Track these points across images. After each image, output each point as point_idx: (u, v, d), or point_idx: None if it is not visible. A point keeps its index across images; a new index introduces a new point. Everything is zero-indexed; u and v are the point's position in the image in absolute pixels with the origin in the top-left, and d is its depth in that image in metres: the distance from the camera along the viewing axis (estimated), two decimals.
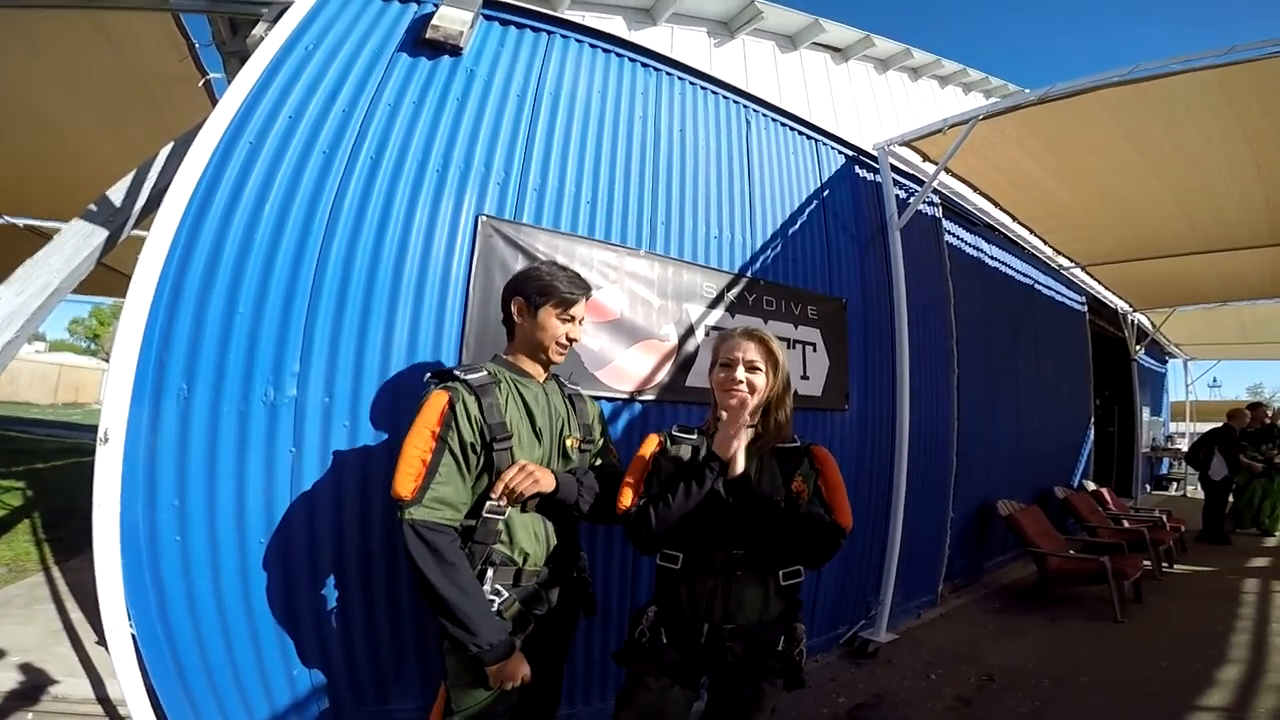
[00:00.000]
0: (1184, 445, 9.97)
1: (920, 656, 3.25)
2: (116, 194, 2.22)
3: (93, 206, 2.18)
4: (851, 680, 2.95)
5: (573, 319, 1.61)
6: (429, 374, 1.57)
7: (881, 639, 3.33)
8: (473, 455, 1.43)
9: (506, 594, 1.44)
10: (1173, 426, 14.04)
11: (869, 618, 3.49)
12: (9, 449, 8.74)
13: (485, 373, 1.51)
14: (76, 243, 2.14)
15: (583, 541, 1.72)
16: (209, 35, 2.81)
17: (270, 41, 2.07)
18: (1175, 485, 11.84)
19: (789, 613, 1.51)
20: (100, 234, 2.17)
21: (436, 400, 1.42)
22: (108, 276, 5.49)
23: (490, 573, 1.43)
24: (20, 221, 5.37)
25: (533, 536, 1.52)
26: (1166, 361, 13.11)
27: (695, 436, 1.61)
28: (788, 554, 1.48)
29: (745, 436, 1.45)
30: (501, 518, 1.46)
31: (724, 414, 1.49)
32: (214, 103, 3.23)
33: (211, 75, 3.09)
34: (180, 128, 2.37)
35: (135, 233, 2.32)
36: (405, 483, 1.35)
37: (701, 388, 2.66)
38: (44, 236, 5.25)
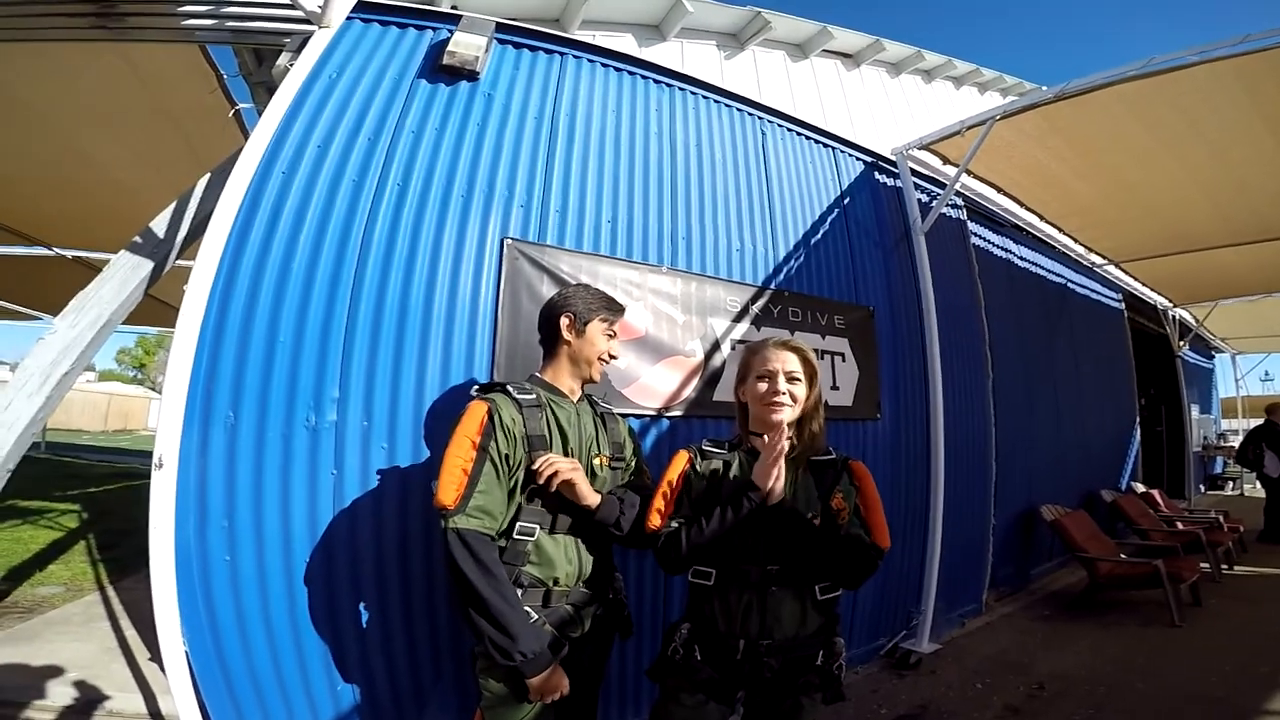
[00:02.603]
0: (1237, 443, 9.56)
1: (965, 666, 3.17)
2: (159, 225, 2.31)
3: (138, 239, 2.27)
4: (893, 692, 2.88)
5: (614, 335, 1.68)
6: (476, 386, 1.62)
7: (924, 649, 3.25)
8: (507, 466, 1.45)
9: (536, 616, 1.43)
10: (1224, 424, 13.43)
11: (910, 628, 3.40)
12: (65, 474, 9.14)
13: (534, 395, 1.55)
14: (125, 274, 2.23)
15: (615, 559, 1.71)
16: (235, 66, 2.92)
17: (296, 71, 2.15)
18: (1231, 484, 11.30)
19: (827, 626, 1.47)
20: (147, 265, 2.25)
21: (476, 410, 1.45)
22: (152, 306, 5.76)
23: (519, 594, 1.43)
24: (69, 253, 5.66)
25: (564, 558, 1.51)
26: (1213, 357, 12.60)
27: (725, 451, 1.58)
28: (825, 574, 1.45)
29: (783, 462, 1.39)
30: (531, 539, 1.47)
31: (765, 436, 1.45)
32: (244, 132, 3.37)
33: (241, 105, 3.21)
34: (212, 158, 2.47)
35: (178, 263, 2.43)
36: (448, 492, 1.36)
37: (730, 402, 2.65)
38: (91, 268, 5.54)
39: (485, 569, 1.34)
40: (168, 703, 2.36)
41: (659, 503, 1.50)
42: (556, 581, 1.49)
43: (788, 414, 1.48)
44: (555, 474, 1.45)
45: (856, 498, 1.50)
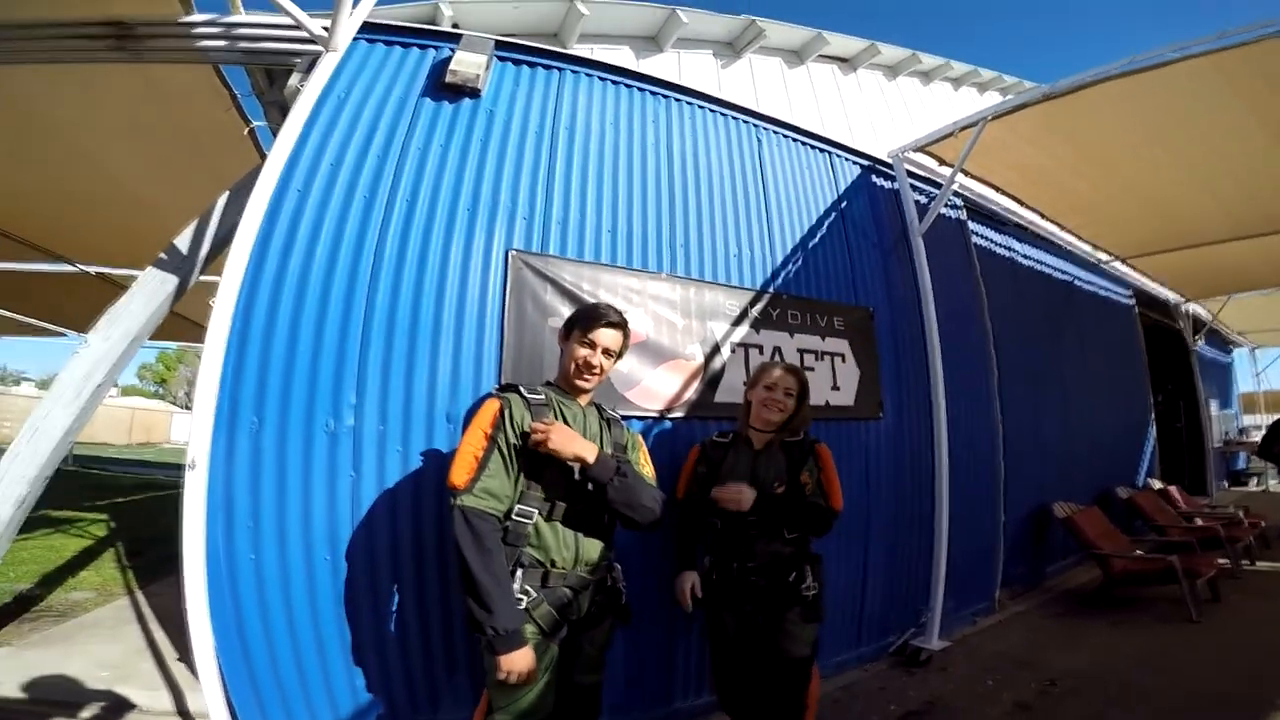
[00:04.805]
0: (1259, 438, 9.33)
1: (976, 663, 3.15)
2: (182, 242, 2.40)
3: (163, 255, 2.37)
4: (902, 688, 2.88)
5: (592, 345, 1.74)
6: (495, 387, 1.83)
7: (934, 646, 3.24)
8: (514, 456, 1.58)
9: (535, 594, 1.55)
10: (1245, 419, 13.13)
11: (920, 625, 3.40)
12: (93, 484, 9.36)
13: (543, 396, 1.70)
14: (152, 289, 2.33)
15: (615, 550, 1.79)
16: (249, 86, 3.02)
17: (307, 94, 2.23)
18: (1255, 480, 11.04)
19: (798, 555, 2.04)
20: (172, 281, 2.35)
21: (490, 405, 1.62)
22: (173, 321, 5.86)
23: (520, 573, 1.55)
24: (93, 269, 5.81)
25: (561, 544, 1.62)
26: (1231, 351, 12.35)
27: (728, 440, 2.21)
28: (795, 529, 2.03)
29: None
30: (530, 522, 1.58)
31: (757, 425, 2.15)
32: (259, 150, 3.44)
33: (255, 124, 3.31)
34: (229, 176, 2.55)
35: (199, 279, 2.52)
36: (460, 474, 1.52)
37: (731, 403, 2.72)
38: (113, 284, 5.69)
39: (481, 545, 1.46)
40: (194, 700, 2.45)
41: (681, 482, 2.25)
42: (554, 564, 1.59)
43: (778, 416, 2.11)
44: (546, 439, 1.55)
45: (820, 475, 2.10)
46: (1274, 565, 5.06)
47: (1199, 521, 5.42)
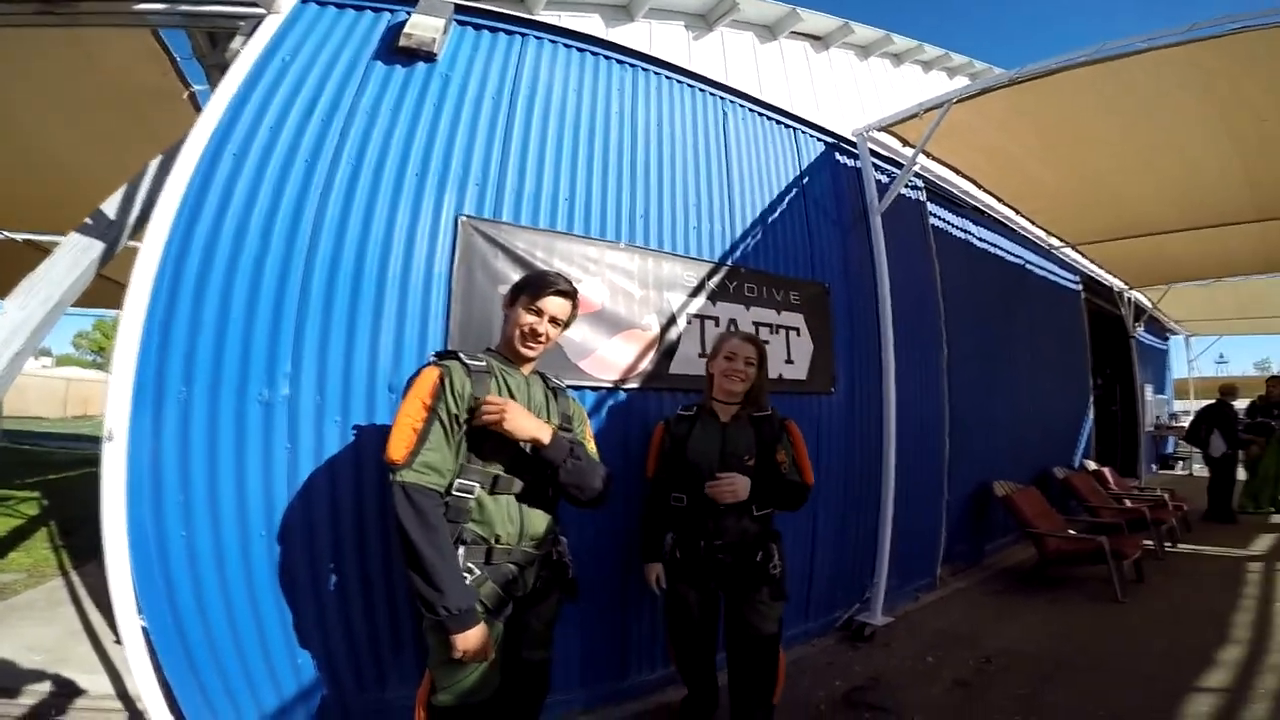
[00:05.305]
0: (1188, 423, 9.86)
1: (918, 639, 3.25)
2: (110, 207, 2.27)
3: (88, 220, 2.24)
4: (848, 663, 2.95)
5: (539, 313, 1.68)
6: (433, 354, 1.68)
7: (878, 622, 3.33)
8: (456, 427, 1.52)
9: (478, 571, 1.50)
10: (1177, 404, 13.91)
11: (865, 600, 3.50)
12: (22, 461, 8.87)
13: (484, 363, 1.62)
14: (75, 255, 2.20)
15: (562, 523, 1.78)
16: (189, 49, 2.84)
17: (247, 54, 2.11)
18: (1181, 464, 11.74)
19: (764, 535, 2.08)
20: (97, 246, 2.23)
21: (429, 374, 1.53)
22: (109, 288, 5.56)
23: (462, 550, 1.49)
24: (20, 236, 5.47)
25: (505, 518, 1.57)
26: (1168, 338, 13.01)
27: (692, 414, 2.22)
28: (772, 505, 2.08)
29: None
30: (471, 496, 1.52)
31: (720, 396, 2.17)
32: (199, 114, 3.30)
33: (195, 88, 3.12)
34: (169, 141, 2.40)
35: (132, 244, 2.39)
36: (398, 448, 1.45)
37: (685, 374, 2.74)
38: (45, 251, 5.35)
39: (425, 522, 1.41)
40: (134, 683, 2.37)
41: (651, 461, 2.26)
42: (498, 539, 1.55)
43: (740, 386, 2.12)
44: (500, 416, 1.50)
45: (792, 451, 2.15)
46: (1194, 548, 5.34)
47: (1128, 503, 5.69)
